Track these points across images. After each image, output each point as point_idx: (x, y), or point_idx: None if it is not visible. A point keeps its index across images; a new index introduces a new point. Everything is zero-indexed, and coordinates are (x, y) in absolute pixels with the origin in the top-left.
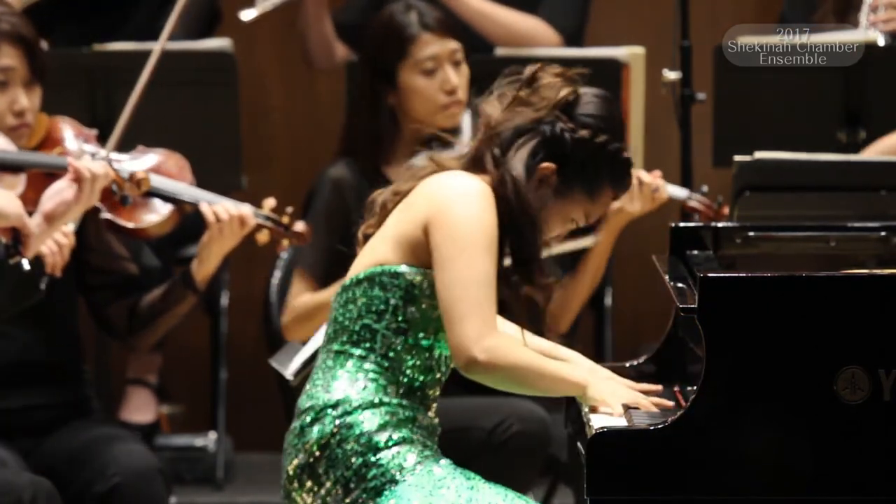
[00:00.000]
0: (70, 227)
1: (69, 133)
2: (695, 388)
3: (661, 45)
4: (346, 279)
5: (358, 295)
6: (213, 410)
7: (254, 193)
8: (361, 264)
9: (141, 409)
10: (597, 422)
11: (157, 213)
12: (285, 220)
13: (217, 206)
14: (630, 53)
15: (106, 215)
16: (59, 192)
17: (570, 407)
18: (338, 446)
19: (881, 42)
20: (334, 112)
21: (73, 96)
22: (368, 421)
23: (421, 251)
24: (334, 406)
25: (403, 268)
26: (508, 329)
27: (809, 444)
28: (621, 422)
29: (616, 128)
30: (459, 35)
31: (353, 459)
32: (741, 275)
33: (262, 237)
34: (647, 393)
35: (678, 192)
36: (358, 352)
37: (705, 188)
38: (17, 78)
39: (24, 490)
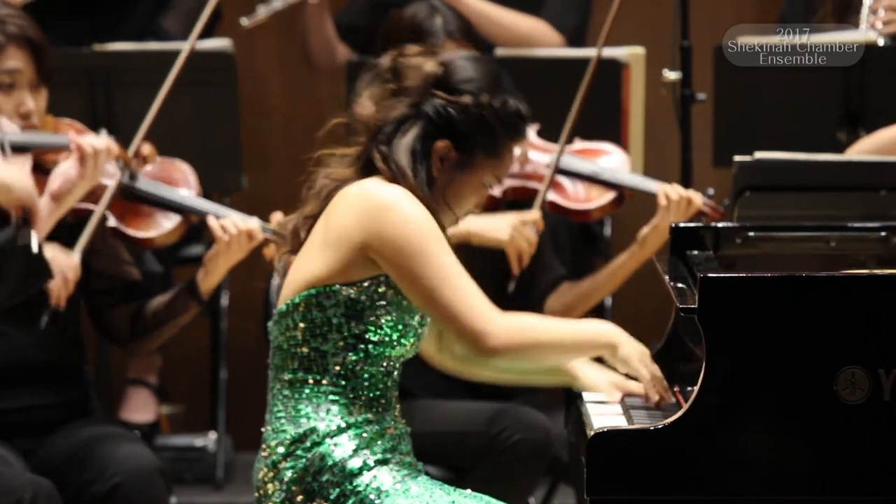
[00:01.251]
0: (76, 259)
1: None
2: (695, 388)
3: (661, 45)
4: (281, 305)
5: (298, 320)
6: (213, 410)
7: (254, 193)
8: (291, 288)
9: (141, 409)
10: (597, 422)
11: (163, 223)
12: None
13: (225, 221)
14: (630, 53)
15: (112, 223)
16: (64, 171)
17: (570, 407)
18: (313, 479)
19: (880, 44)
20: (334, 112)
21: (73, 96)
22: (340, 448)
23: (353, 267)
24: (301, 439)
25: (337, 286)
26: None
27: (809, 444)
28: (621, 422)
29: (495, 81)
30: (480, 44)
31: (331, 490)
32: (741, 275)
33: (269, 251)
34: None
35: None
36: (311, 377)
37: (711, 191)
38: (24, 80)
39: (25, 490)
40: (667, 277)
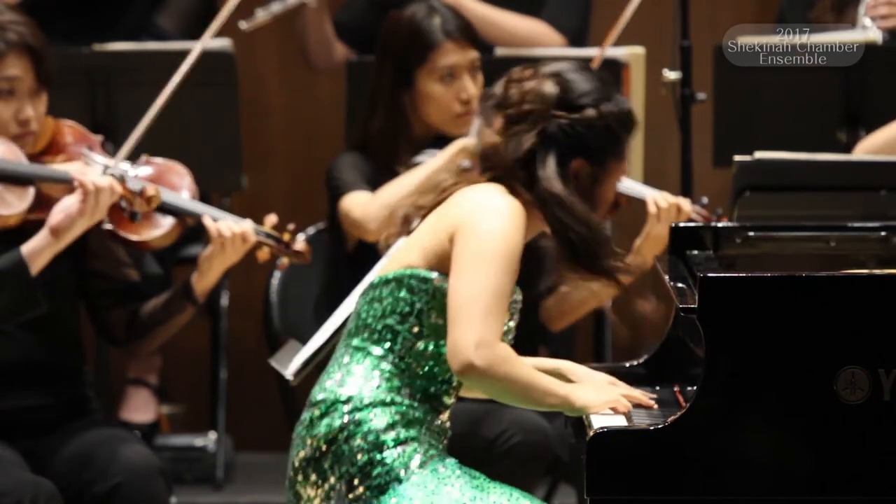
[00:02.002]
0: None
1: (74, 139)
2: (695, 388)
3: (661, 45)
4: (374, 278)
5: (384, 294)
6: (213, 410)
7: (254, 193)
8: (389, 268)
9: (141, 409)
10: (597, 422)
11: (159, 226)
12: (286, 237)
13: (220, 224)
14: (630, 53)
15: (108, 226)
16: (66, 206)
17: None
18: (345, 442)
19: (878, 37)
20: (334, 112)
21: (73, 96)
22: (377, 419)
23: (448, 260)
24: (346, 402)
25: (434, 274)
26: None
27: (809, 444)
28: (621, 422)
29: (605, 86)
30: (479, 44)
31: (359, 456)
32: (741, 275)
33: (262, 254)
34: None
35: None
36: (377, 350)
37: (705, 199)
38: (24, 87)
39: (25, 490)
40: (667, 277)
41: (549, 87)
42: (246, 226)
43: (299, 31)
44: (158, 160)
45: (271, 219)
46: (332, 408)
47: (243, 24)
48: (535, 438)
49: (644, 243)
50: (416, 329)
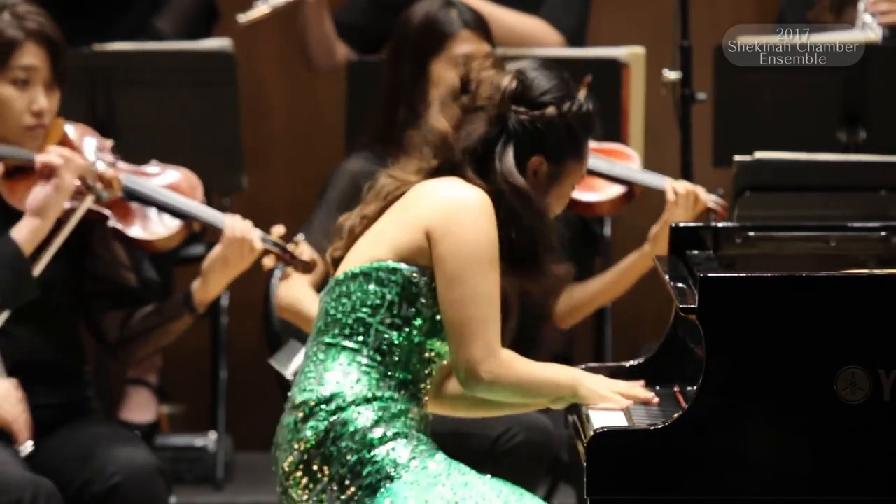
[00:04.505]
0: (11, 384)
1: (84, 140)
2: (695, 388)
3: (661, 45)
4: (339, 274)
5: (353, 289)
6: (213, 410)
7: (254, 193)
8: (354, 263)
9: (141, 409)
10: (597, 421)
11: (165, 227)
12: (292, 248)
13: (232, 223)
14: (630, 53)
15: (113, 224)
16: (40, 189)
17: (571, 406)
18: (332, 444)
19: (878, 34)
20: (334, 112)
21: (73, 96)
22: (362, 417)
23: (420, 254)
24: (327, 401)
25: (402, 265)
26: None
27: (809, 444)
28: (621, 422)
29: (567, 85)
30: (493, 41)
31: (349, 457)
32: (741, 275)
33: (268, 262)
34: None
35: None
36: (350, 345)
37: (721, 191)
38: (39, 78)
39: (25, 489)
40: (667, 277)
41: (508, 81)
42: (253, 234)
43: (300, 31)
44: (169, 166)
45: (279, 229)
46: (315, 410)
47: (241, 18)
48: (537, 438)
49: (662, 230)
50: (388, 321)
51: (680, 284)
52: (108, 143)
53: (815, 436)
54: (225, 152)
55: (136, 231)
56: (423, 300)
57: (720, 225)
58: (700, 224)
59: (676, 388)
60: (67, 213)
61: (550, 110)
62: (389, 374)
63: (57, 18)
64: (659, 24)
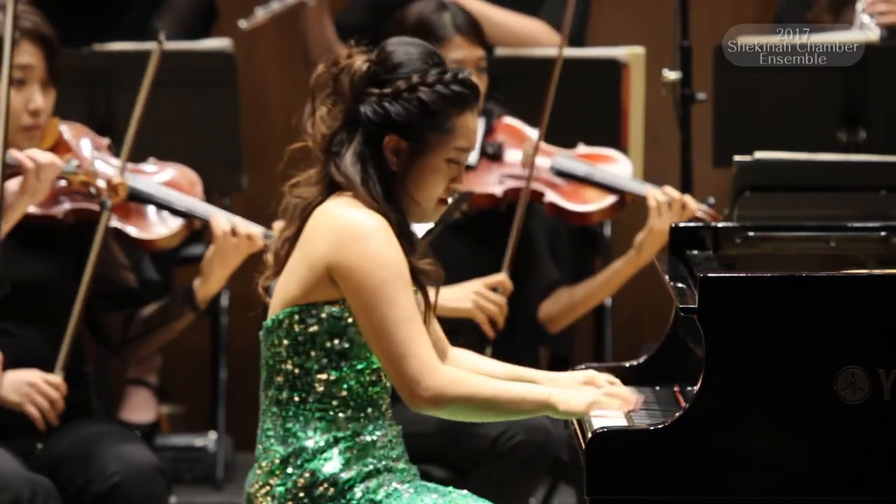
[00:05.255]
0: (58, 378)
1: (80, 140)
2: (695, 388)
3: (661, 45)
4: (267, 321)
5: (282, 337)
6: (213, 410)
7: (254, 193)
8: (276, 306)
9: (141, 409)
10: (597, 422)
11: (166, 226)
12: None
13: (229, 221)
14: (630, 53)
15: (114, 224)
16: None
17: None
18: (306, 495)
19: (876, 34)
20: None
21: (73, 96)
22: (330, 463)
23: (328, 288)
24: (291, 457)
25: (319, 304)
26: (465, 358)
27: (809, 444)
28: (621, 422)
29: (427, 57)
30: (486, 44)
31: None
32: (741, 275)
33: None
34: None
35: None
36: (297, 395)
37: (712, 200)
38: (35, 77)
39: (24, 488)
40: (667, 277)
41: (360, 64)
42: (254, 229)
43: (300, 33)
44: (167, 163)
45: (279, 225)
46: (282, 467)
47: (243, 24)
48: (537, 438)
49: (646, 238)
50: (324, 359)
51: (680, 284)
52: (105, 141)
53: (815, 436)
54: (225, 152)
55: (137, 231)
56: (352, 328)
57: (720, 225)
58: (700, 224)
59: (676, 388)
60: (71, 214)
61: (399, 84)
62: (343, 410)
63: (57, 18)
64: (659, 24)
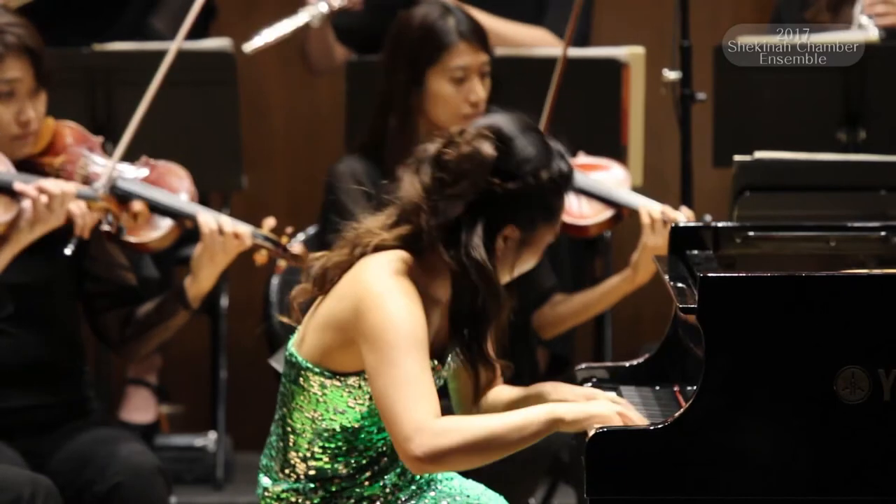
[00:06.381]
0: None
1: (75, 140)
2: (695, 388)
3: (661, 45)
4: (294, 352)
5: (303, 384)
6: (213, 410)
7: (254, 193)
8: (302, 346)
9: (141, 409)
10: None
11: (157, 228)
12: (284, 240)
13: (215, 221)
14: (630, 53)
15: (106, 227)
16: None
17: None
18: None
19: (875, 35)
20: (334, 112)
21: (73, 96)
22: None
23: (349, 357)
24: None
25: (328, 380)
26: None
27: (809, 444)
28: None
29: (546, 149)
30: (489, 48)
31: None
32: (741, 275)
33: (261, 257)
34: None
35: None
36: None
37: (708, 217)
38: (23, 89)
39: (24, 488)
40: (667, 277)
41: (488, 150)
42: (241, 227)
43: (300, 39)
44: (158, 162)
45: (269, 222)
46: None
47: (246, 47)
48: None
49: (641, 255)
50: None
51: (680, 284)
52: (98, 140)
53: (815, 436)
54: (225, 152)
55: (128, 235)
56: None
57: (720, 225)
58: (700, 224)
59: (676, 388)
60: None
61: (529, 181)
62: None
63: (56, 18)
64: (659, 24)
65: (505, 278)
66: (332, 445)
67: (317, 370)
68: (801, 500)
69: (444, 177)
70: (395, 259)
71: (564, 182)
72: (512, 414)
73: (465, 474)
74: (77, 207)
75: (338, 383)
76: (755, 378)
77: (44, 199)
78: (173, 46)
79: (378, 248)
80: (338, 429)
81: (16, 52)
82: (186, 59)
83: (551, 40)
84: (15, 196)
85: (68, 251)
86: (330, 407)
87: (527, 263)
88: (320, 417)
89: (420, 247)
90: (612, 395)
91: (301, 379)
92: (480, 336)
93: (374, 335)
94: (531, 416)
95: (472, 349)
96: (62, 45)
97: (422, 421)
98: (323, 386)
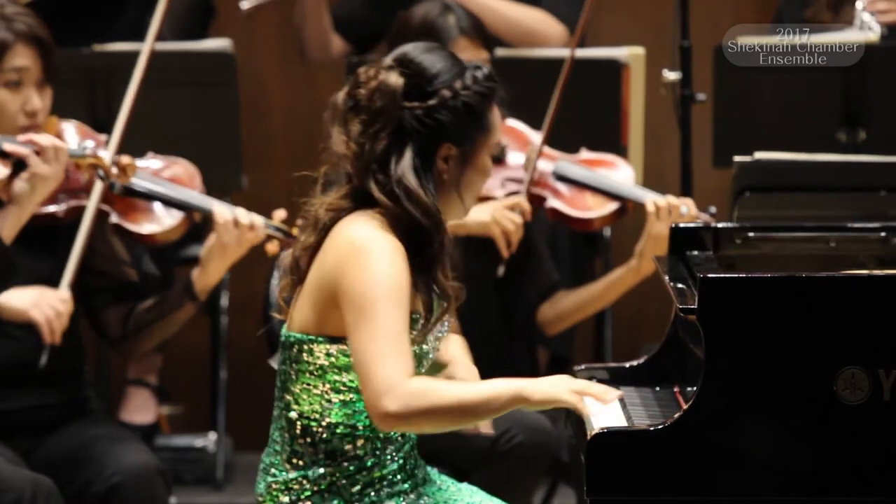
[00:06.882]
0: (65, 293)
1: (77, 136)
2: (695, 388)
3: (661, 45)
4: (287, 333)
5: (298, 356)
6: (213, 410)
7: (254, 193)
8: (295, 324)
9: (141, 409)
10: (597, 422)
11: (166, 220)
12: (294, 231)
13: (231, 211)
14: (630, 53)
15: (115, 219)
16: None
17: None
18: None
19: (877, 32)
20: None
21: (73, 96)
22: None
23: (331, 315)
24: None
25: (325, 344)
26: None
27: (809, 444)
28: (621, 422)
29: (453, 60)
30: (490, 47)
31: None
32: (741, 275)
33: (272, 247)
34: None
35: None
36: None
37: (713, 209)
38: (31, 78)
39: (24, 488)
40: (667, 278)
41: (394, 78)
42: (255, 218)
43: (297, 24)
44: (167, 158)
45: (280, 213)
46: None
47: (244, 4)
48: (537, 438)
49: (645, 244)
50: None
51: (680, 285)
52: (103, 138)
53: (815, 436)
54: (225, 152)
55: (137, 226)
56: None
57: (720, 225)
58: (700, 224)
59: (676, 389)
60: (71, 212)
61: (445, 93)
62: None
63: (56, 18)
64: (659, 24)
65: (455, 204)
66: (349, 410)
67: (319, 339)
68: (801, 501)
69: (363, 118)
70: (369, 217)
71: (485, 87)
72: (482, 385)
73: (464, 478)
74: (41, 314)
75: (344, 347)
76: (755, 379)
77: (25, 151)
78: (145, 47)
79: (337, 216)
80: (354, 397)
81: (25, 41)
82: (186, 59)
83: (550, 22)
84: (6, 157)
85: (43, 362)
86: (342, 372)
87: (474, 185)
88: (332, 389)
89: (372, 199)
90: (582, 381)
91: (305, 354)
92: (430, 267)
93: (354, 291)
94: (500, 391)
95: (426, 283)
96: (62, 45)
97: (395, 378)
98: (329, 354)
